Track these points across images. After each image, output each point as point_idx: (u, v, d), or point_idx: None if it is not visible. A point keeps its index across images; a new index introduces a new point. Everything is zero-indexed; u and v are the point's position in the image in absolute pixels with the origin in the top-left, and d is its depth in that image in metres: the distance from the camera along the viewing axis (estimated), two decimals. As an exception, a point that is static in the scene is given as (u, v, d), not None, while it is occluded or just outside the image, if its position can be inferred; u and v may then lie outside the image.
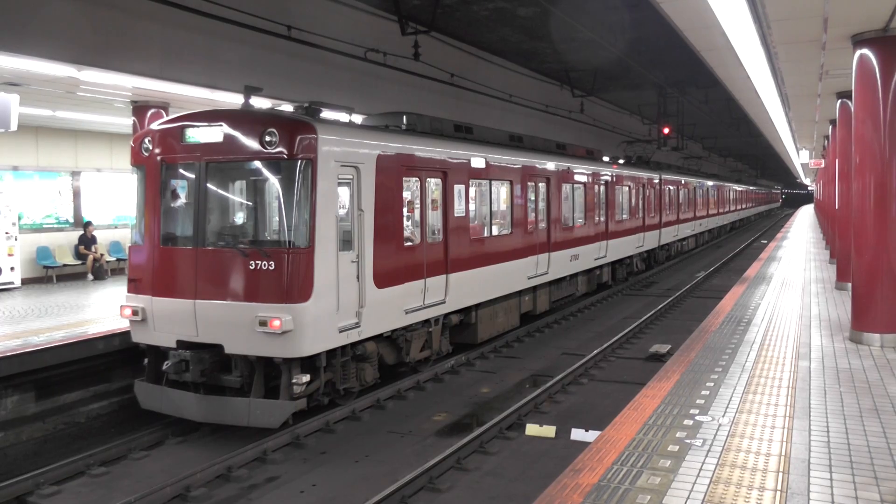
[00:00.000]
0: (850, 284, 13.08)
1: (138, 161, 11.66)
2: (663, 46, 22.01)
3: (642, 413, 8.28)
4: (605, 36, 21.89)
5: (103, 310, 15.43)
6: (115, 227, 23.61)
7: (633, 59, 24.89)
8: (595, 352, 15.41)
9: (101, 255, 21.91)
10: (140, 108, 16.45)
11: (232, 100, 15.68)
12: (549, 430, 10.78)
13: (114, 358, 12.73)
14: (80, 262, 21.67)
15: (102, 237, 22.66)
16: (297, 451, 10.49)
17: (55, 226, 22.10)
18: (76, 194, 22.67)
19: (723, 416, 8.15)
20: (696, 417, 8.09)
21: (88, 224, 22.06)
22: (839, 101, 16.97)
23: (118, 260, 22.83)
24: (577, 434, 10.53)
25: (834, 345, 11.90)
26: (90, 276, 21.38)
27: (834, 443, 7.27)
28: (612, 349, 16.19)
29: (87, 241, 21.79)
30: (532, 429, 10.89)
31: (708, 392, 9.12)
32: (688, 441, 7.31)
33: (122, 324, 13.24)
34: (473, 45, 22.77)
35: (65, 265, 21.48)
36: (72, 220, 22.52)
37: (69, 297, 17.54)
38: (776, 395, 9.00)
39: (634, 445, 7.21)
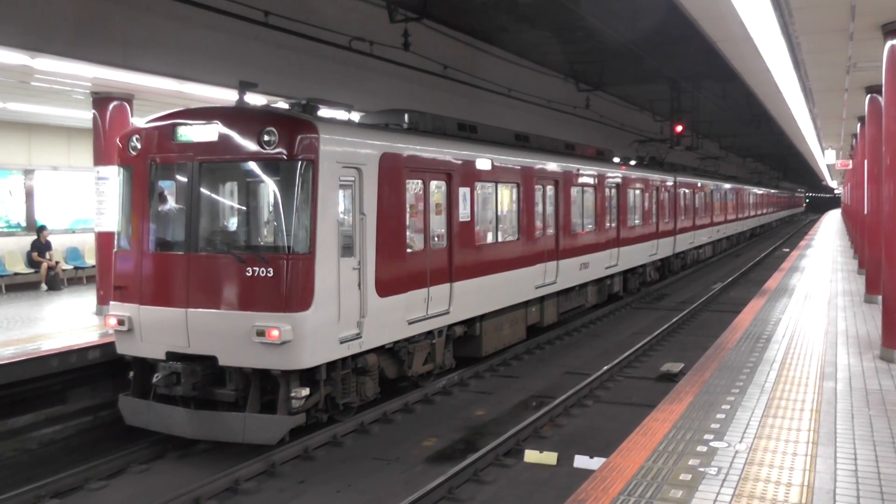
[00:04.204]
0: (880, 297, 13.09)
1: (125, 160, 11.91)
2: (676, 37, 22.07)
3: (652, 438, 8.28)
4: (614, 25, 21.96)
5: (59, 324, 15.38)
6: (73, 232, 23.54)
7: (643, 50, 24.97)
8: (601, 371, 15.41)
9: (57, 262, 21.81)
10: (101, 101, 16.44)
11: (203, 92, 15.68)
12: (550, 457, 10.76)
13: (70, 377, 12.69)
14: (33, 270, 21.57)
15: (58, 243, 22.54)
16: (273, 479, 10.45)
17: (5, 230, 22.04)
18: (29, 195, 22.61)
19: (740, 441, 8.16)
20: (711, 443, 8.10)
21: (43, 228, 21.97)
22: (868, 96, 17.03)
23: (76, 268, 22.74)
24: (581, 461, 10.52)
25: (862, 364, 11.92)
26: (44, 287, 21.29)
27: (862, 472, 7.28)
28: (619, 368, 16.19)
29: (41, 247, 21.69)
30: (531, 455, 10.87)
31: (724, 415, 9.13)
32: (701, 469, 7.31)
33: (79, 339, 13.23)
34: (469, 35, 22.79)
35: (16, 274, 21.39)
36: (24, 224, 22.45)
37: (20, 310, 17.47)
38: (798, 418, 9.01)
39: (643, 474, 7.20)
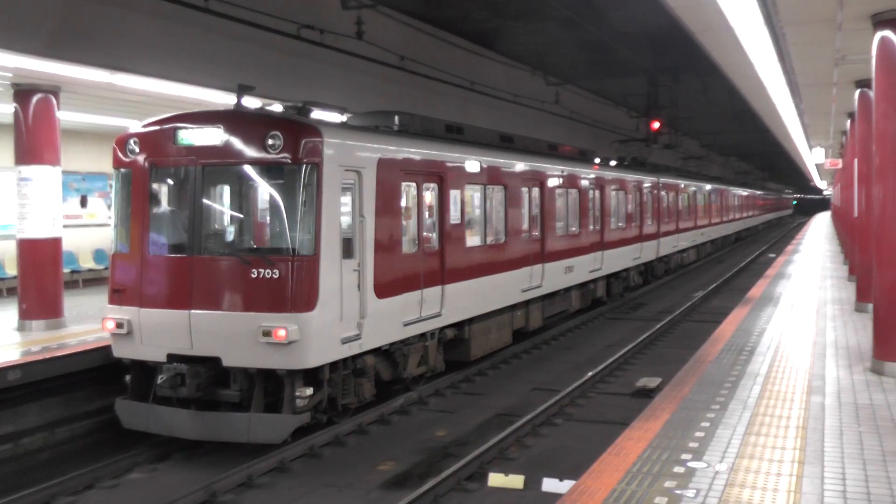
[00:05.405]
0: (871, 305, 13.24)
1: (121, 164, 12.79)
2: (652, 27, 22.22)
3: (625, 459, 8.30)
4: (586, 13, 22.04)
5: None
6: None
7: (617, 41, 25.09)
8: (572, 386, 15.45)
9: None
10: (24, 93, 16.20)
11: (138, 85, 15.51)
12: (516, 481, 10.75)
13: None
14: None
15: (-23, 251, 22.23)
16: (213, 509, 10.36)
17: (-83, 237, 21.66)
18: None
19: (720, 461, 8.20)
20: (689, 464, 8.13)
21: (-42, 235, 21.64)
22: (858, 90, 17.22)
23: (-3, 278, 22.42)
24: (550, 484, 10.52)
25: (852, 377, 12.04)
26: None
27: (851, 493, 7.35)
28: (592, 383, 16.24)
29: (-43, 255, 21.38)
30: (496, 479, 10.85)
31: (703, 434, 9.18)
32: (678, 492, 7.34)
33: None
34: (428, 23, 22.76)
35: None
36: (-62, 230, 22.07)
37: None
38: (784, 436, 9.07)
39: (615, 497, 7.22)
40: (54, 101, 16.41)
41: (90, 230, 24.69)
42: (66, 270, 19.33)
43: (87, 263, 24.54)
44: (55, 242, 16.77)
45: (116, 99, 17.40)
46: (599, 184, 25.27)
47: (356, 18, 17.62)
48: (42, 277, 16.53)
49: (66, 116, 17.71)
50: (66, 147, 17.28)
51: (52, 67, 14.45)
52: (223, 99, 16.90)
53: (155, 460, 12.06)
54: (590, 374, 16.59)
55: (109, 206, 24.95)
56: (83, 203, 24.49)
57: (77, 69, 14.59)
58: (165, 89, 15.92)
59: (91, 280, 24.50)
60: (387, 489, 10.94)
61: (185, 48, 15.70)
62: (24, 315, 16.34)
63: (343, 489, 10.96)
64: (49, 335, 15.54)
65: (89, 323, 16.69)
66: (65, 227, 17.58)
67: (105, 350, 13.92)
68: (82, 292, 22.74)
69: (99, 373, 13.84)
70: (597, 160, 26.89)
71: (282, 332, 11.23)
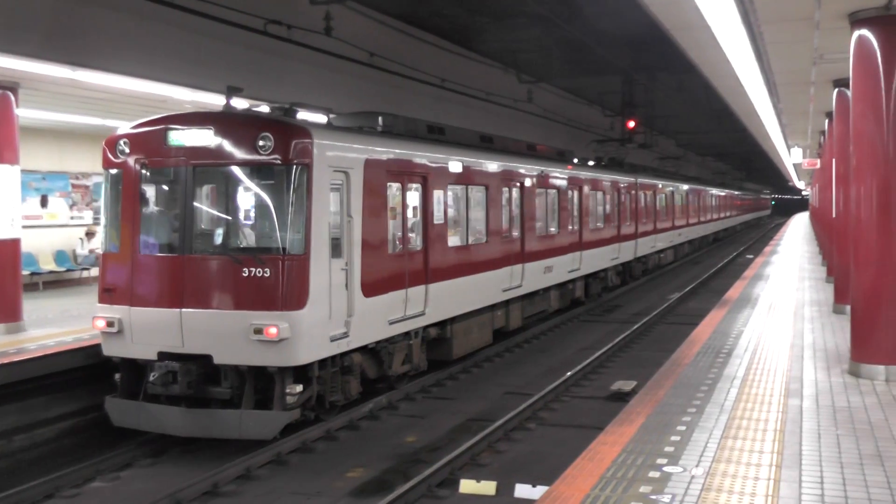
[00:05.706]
0: (849, 307, 13.33)
1: (111, 164, 13.27)
2: (628, 24, 22.27)
3: (599, 464, 8.30)
4: (559, 10, 22.07)
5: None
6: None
7: (592, 39, 25.14)
8: (546, 390, 15.47)
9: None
10: (-21, 89, 16.07)
11: (99, 80, 15.39)
12: (488, 487, 10.76)
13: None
14: None
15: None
16: (177, 517, 10.30)
17: None
18: None
19: (696, 466, 8.22)
20: (665, 468, 8.14)
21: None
22: (836, 90, 17.30)
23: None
24: (523, 490, 10.54)
25: (830, 379, 12.11)
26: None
27: (829, 496, 7.38)
28: (566, 387, 16.28)
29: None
30: (468, 485, 10.86)
31: (679, 437, 9.19)
32: (653, 497, 7.34)
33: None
34: (399, 19, 22.74)
35: None
36: None
37: None
38: (761, 440, 9.10)
39: (589, 503, 7.21)
40: (13, 97, 16.25)
41: (50, 231, 24.50)
42: (25, 272, 19.13)
43: (48, 265, 24.30)
44: (14, 244, 16.62)
45: (79, 96, 17.25)
46: (578, 184, 25.89)
47: (325, 14, 17.58)
48: (0, 280, 16.36)
49: (25, 114, 17.56)
50: (25, 145, 17.13)
51: (11, 63, 14.30)
52: (189, 96, 16.90)
53: (117, 469, 11.98)
54: (568, 373, 16.69)
55: (71, 206, 24.95)
56: (43, 203, 24.26)
57: (37, 65, 14.44)
58: (129, 85, 15.78)
59: (51, 282, 24.29)
60: (356, 496, 10.92)
61: (149, 44, 15.57)
62: (-10, 320, 16.19)
63: (311, 496, 10.92)
64: (7, 339, 15.39)
65: (50, 327, 16.59)
66: (24, 227, 17.42)
67: (66, 355, 13.93)
68: (42, 295, 22.54)
69: (59, 378, 13.72)
70: (575, 160, 27.45)
71: (273, 330, 11.72)
